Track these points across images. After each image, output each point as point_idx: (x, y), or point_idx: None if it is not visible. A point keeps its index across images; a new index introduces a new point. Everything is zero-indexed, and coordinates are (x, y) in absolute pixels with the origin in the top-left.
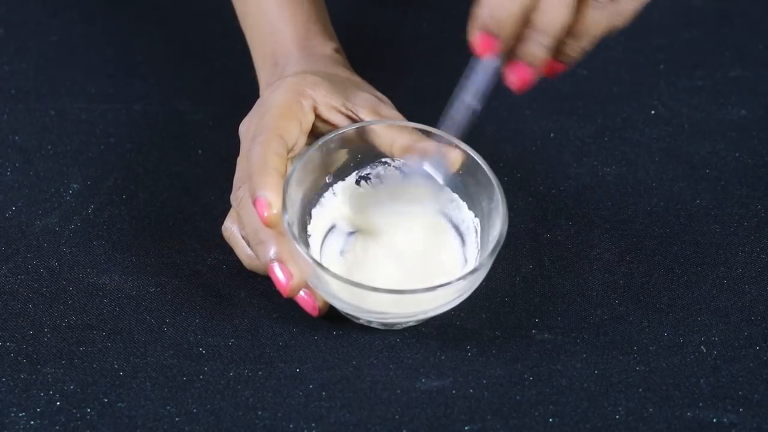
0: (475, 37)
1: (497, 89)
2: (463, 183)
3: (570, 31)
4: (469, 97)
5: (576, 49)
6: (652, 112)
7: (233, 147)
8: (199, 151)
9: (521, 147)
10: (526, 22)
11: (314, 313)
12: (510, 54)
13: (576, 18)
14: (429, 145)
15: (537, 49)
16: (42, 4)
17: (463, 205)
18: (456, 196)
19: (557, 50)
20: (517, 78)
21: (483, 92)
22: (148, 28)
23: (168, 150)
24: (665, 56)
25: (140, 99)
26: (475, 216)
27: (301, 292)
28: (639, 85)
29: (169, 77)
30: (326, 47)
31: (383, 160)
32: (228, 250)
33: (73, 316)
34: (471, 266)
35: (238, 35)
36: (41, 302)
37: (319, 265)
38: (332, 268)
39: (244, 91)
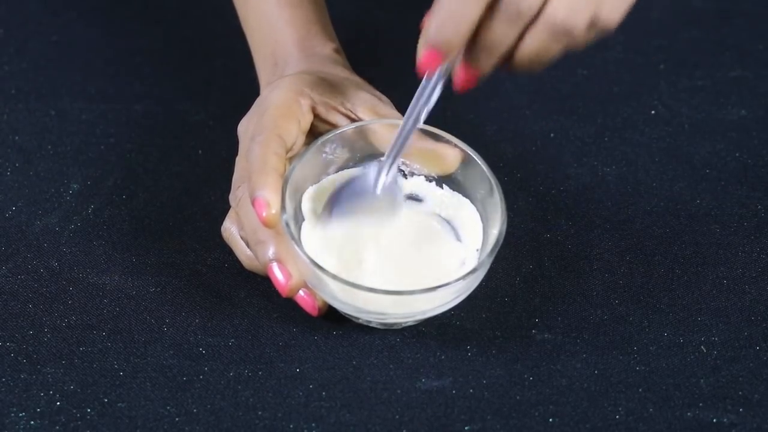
0: (423, 55)
1: (497, 89)
2: (463, 183)
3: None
4: (422, 116)
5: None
6: (652, 112)
7: (233, 147)
8: (199, 151)
9: (521, 147)
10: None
11: (314, 312)
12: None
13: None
14: (428, 143)
15: (485, 62)
16: (42, 4)
17: (465, 203)
18: (458, 194)
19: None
20: (463, 80)
21: (431, 107)
22: (148, 28)
23: (168, 150)
24: (665, 56)
25: (140, 99)
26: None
27: (301, 292)
28: (639, 85)
29: (169, 77)
30: (326, 47)
31: (382, 159)
32: (228, 250)
33: (73, 316)
34: (470, 266)
35: (239, 35)
36: (41, 302)
37: (317, 265)
38: (330, 269)
39: (244, 91)
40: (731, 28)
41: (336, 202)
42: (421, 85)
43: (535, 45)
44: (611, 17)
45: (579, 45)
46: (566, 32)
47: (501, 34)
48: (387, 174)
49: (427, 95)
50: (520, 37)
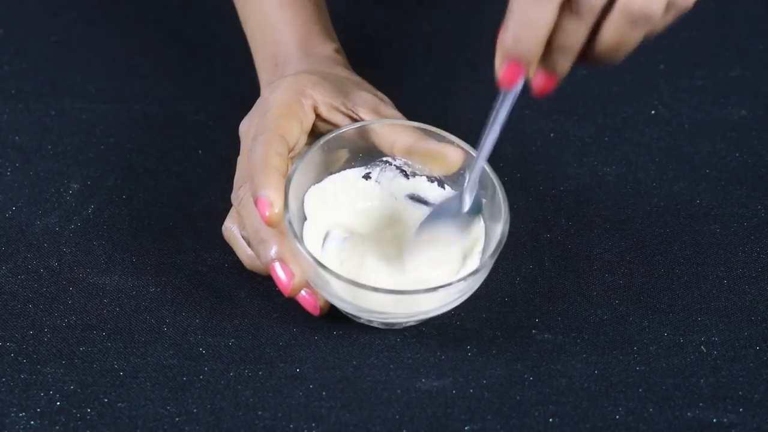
0: (503, 69)
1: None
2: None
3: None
4: (498, 127)
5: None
6: (653, 112)
7: (233, 147)
8: (199, 151)
9: (521, 147)
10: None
11: (316, 312)
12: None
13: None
14: (429, 143)
15: (562, 64)
16: (42, 4)
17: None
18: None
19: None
20: (541, 86)
21: (506, 119)
22: (148, 28)
23: (168, 150)
24: (665, 56)
25: (140, 99)
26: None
27: (303, 292)
28: (639, 85)
29: (169, 77)
30: (326, 47)
31: (384, 159)
32: (228, 250)
33: (74, 316)
34: (472, 266)
35: (239, 35)
36: (41, 302)
37: (321, 264)
38: (333, 268)
39: (244, 91)
40: (731, 28)
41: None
42: (500, 99)
43: (614, 36)
44: None
45: (658, 29)
46: (645, 18)
47: (575, 32)
48: (471, 192)
49: (507, 108)
50: (595, 29)
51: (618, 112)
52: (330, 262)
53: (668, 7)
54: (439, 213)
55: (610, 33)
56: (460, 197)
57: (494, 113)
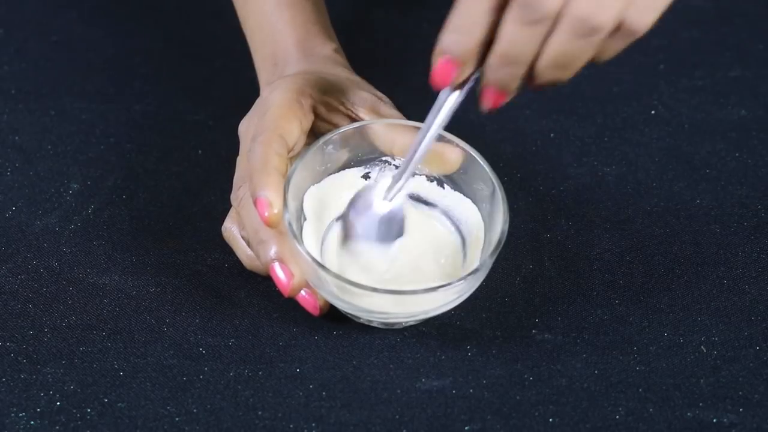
0: (436, 65)
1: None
2: (464, 183)
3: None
4: (436, 130)
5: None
6: (652, 112)
7: (233, 147)
8: (199, 151)
9: (521, 147)
10: (491, 48)
11: (315, 312)
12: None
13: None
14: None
15: (508, 79)
16: (42, 4)
17: (467, 203)
18: (459, 194)
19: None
20: (490, 102)
21: (447, 120)
22: (148, 28)
23: (168, 150)
24: (665, 56)
25: (140, 99)
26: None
27: (302, 292)
28: (639, 85)
29: (169, 77)
30: (326, 47)
31: (384, 158)
32: (228, 250)
33: (73, 316)
34: (471, 266)
35: (238, 35)
36: (41, 302)
37: (320, 264)
38: (332, 268)
39: (244, 91)
40: (731, 28)
41: (348, 219)
42: (438, 99)
43: (558, 48)
44: (641, 20)
45: (606, 53)
46: (591, 31)
47: (520, 39)
48: (401, 186)
49: (444, 109)
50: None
51: (618, 112)
52: (329, 262)
53: (618, 27)
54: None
55: (553, 45)
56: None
57: (431, 115)
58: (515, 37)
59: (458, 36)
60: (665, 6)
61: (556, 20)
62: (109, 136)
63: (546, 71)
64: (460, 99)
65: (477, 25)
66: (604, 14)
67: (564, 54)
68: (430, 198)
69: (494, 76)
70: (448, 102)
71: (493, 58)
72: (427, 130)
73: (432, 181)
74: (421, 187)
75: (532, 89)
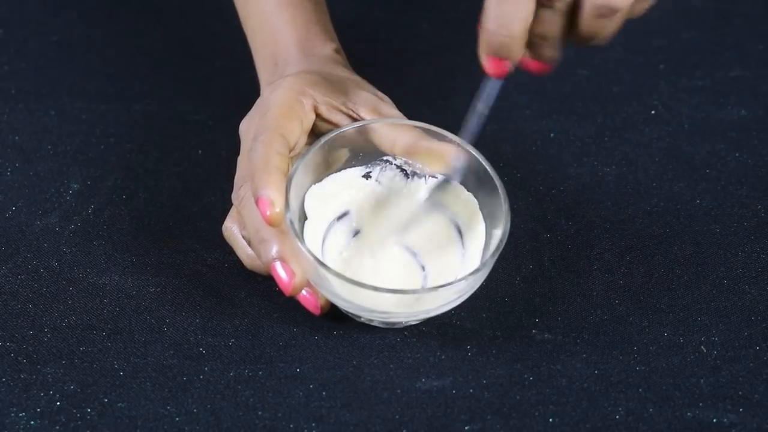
0: (486, 62)
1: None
2: (466, 183)
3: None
4: (483, 108)
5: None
6: (652, 112)
7: (233, 147)
8: (199, 151)
9: (521, 147)
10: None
11: (316, 311)
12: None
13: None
14: (430, 143)
15: (547, 52)
16: (42, 4)
17: (472, 201)
18: (467, 193)
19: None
20: (537, 69)
21: (494, 101)
22: (148, 28)
23: (168, 150)
24: (665, 56)
25: (140, 99)
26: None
27: (303, 291)
28: (639, 85)
29: (169, 77)
30: (326, 47)
31: (385, 158)
32: (228, 250)
33: (74, 316)
34: (472, 266)
35: (239, 35)
36: (41, 302)
37: (322, 263)
38: (334, 267)
39: (244, 91)
40: (731, 28)
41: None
42: (488, 85)
43: (589, 27)
44: None
45: (636, 14)
46: (611, 10)
47: (550, 22)
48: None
49: (494, 93)
50: (573, 18)
51: (618, 112)
52: (331, 261)
53: None
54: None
55: (584, 25)
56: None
57: (481, 95)
58: (547, 22)
59: (503, 34)
60: None
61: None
62: (109, 136)
63: (583, 42)
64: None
65: (516, 21)
66: None
67: (593, 31)
68: (430, 196)
69: (536, 54)
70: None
71: (533, 44)
72: (480, 105)
73: (433, 177)
74: (422, 186)
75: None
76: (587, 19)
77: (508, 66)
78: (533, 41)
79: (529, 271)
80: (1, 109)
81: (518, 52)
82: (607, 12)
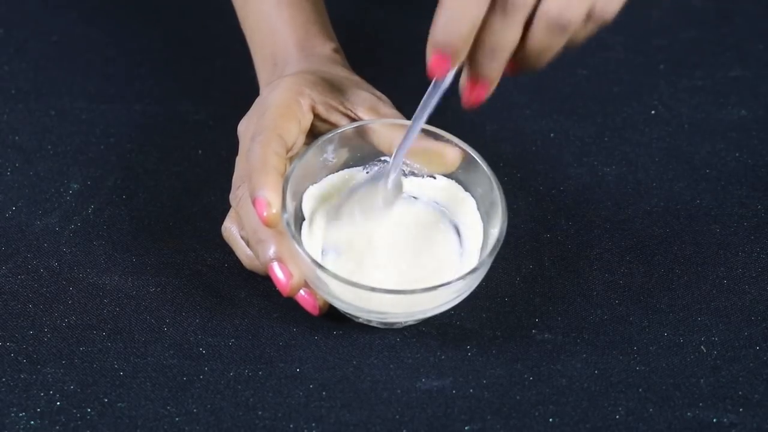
0: (431, 59)
1: (498, 89)
2: (463, 182)
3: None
4: (426, 116)
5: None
6: (652, 112)
7: (233, 147)
8: (199, 151)
9: (521, 147)
10: (476, 41)
11: (315, 312)
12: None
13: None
14: (429, 143)
15: (490, 69)
16: (42, 4)
17: (470, 201)
18: (465, 193)
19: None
20: (474, 95)
21: (433, 108)
22: (148, 28)
23: (168, 150)
24: (665, 56)
25: (140, 99)
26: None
27: (301, 291)
28: (639, 85)
29: (169, 77)
30: (325, 47)
31: (383, 158)
32: (228, 251)
33: (74, 316)
34: (470, 265)
35: (238, 35)
36: (41, 302)
37: (318, 265)
38: (331, 268)
39: (244, 91)
40: (731, 28)
41: (344, 205)
42: (430, 87)
43: (535, 42)
44: (608, 8)
45: (579, 39)
46: (563, 26)
47: (501, 32)
48: (393, 175)
49: (436, 97)
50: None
51: (618, 112)
52: (328, 262)
53: (588, 18)
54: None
55: (530, 39)
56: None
57: (424, 100)
58: (497, 30)
59: (450, 29)
60: None
61: (532, 14)
62: (109, 136)
63: (525, 62)
64: (447, 86)
65: (468, 18)
66: (573, 10)
67: (539, 47)
68: (427, 195)
69: (481, 67)
70: (441, 87)
71: (480, 50)
72: (423, 111)
73: (432, 177)
74: (421, 184)
75: (508, 74)
76: (539, 32)
77: (449, 64)
78: (478, 53)
79: (529, 271)
80: (1, 109)
81: (462, 51)
82: (558, 28)
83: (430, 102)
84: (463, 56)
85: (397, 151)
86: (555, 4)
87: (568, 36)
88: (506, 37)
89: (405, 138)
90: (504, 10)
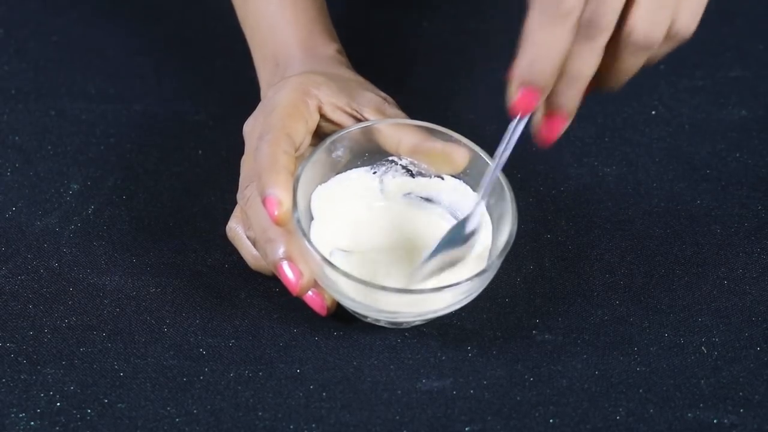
0: (517, 95)
1: (498, 89)
2: (473, 184)
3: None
4: (507, 155)
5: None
6: (653, 112)
7: (233, 147)
8: (199, 151)
9: (521, 147)
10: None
11: (323, 312)
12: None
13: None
14: (435, 143)
15: (571, 99)
16: (42, 4)
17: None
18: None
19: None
20: (551, 130)
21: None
22: (148, 28)
23: (168, 150)
24: (665, 56)
25: (140, 99)
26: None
27: (309, 291)
28: (639, 86)
29: (169, 77)
30: (328, 48)
31: (390, 158)
32: (228, 251)
33: (74, 317)
34: (479, 266)
35: (239, 35)
36: (41, 303)
37: (330, 263)
38: (341, 267)
39: (244, 91)
40: (731, 28)
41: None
42: (513, 124)
43: (619, 64)
44: (689, 26)
45: (658, 57)
46: (647, 47)
47: (584, 59)
48: (477, 214)
49: (518, 132)
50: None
51: (618, 112)
52: (337, 261)
53: (668, 37)
54: (446, 242)
55: (616, 61)
56: (464, 222)
57: (507, 137)
58: (580, 56)
59: (539, 62)
60: (704, 7)
61: (615, 37)
62: (109, 136)
63: (604, 82)
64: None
65: (556, 50)
66: (657, 32)
67: (622, 68)
68: (436, 196)
69: (560, 98)
70: (519, 126)
71: (561, 80)
72: (506, 149)
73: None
74: (429, 184)
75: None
76: (623, 55)
77: (538, 99)
78: (558, 83)
79: (530, 272)
80: (1, 109)
81: (551, 81)
82: (643, 49)
83: (513, 138)
84: (551, 86)
85: (481, 195)
86: (641, 27)
87: (648, 55)
88: (589, 63)
89: (488, 177)
90: (588, 36)
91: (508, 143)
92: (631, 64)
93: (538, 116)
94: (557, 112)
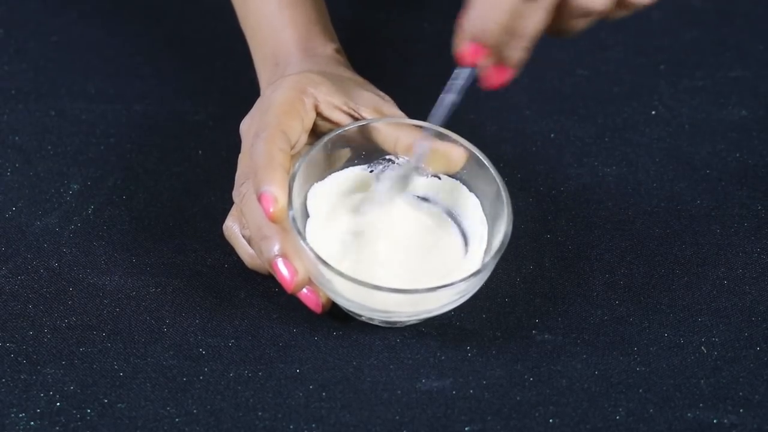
0: (464, 47)
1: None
2: (468, 183)
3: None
4: (455, 97)
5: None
6: (653, 112)
7: (233, 147)
8: (199, 151)
9: (521, 147)
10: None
11: (318, 309)
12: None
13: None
14: (434, 142)
15: (519, 53)
16: (42, 4)
17: (475, 202)
18: (470, 194)
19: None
20: (497, 80)
21: (465, 91)
22: (148, 28)
23: (168, 150)
24: (665, 56)
25: (140, 99)
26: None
27: (304, 289)
28: (639, 86)
29: (169, 77)
30: (327, 48)
31: (387, 157)
32: (228, 251)
33: (73, 317)
34: (474, 266)
35: (238, 35)
36: (41, 303)
37: (324, 262)
38: (335, 266)
39: (244, 91)
40: (731, 28)
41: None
42: (457, 71)
43: (562, 26)
44: None
45: (615, 18)
46: (587, 14)
47: (531, 18)
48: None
49: (462, 79)
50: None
51: (618, 112)
52: (332, 260)
53: (621, 4)
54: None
55: (559, 23)
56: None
57: (452, 83)
58: (530, 17)
59: (487, 23)
60: None
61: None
62: (109, 136)
63: (553, 35)
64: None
65: (503, 11)
66: (597, 3)
67: (567, 28)
68: (432, 196)
69: (506, 53)
70: (465, 71)
71: (510, 36)
72: (449, 94)
73: (437, 178)
74: (425, 184)
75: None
76: (565, 18)
77: (484, 54)
78: (506, 39)
79: (530, 272)
80: (1, 109)
81: (498, 39)
82: (583, 14)
83: (457, 83)
84: (496, 43)
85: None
86: None
87: (594, 18)
88: (535, 23)
89: (432, 114)
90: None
91: (452, 88)
92: (575, 24)
93: (486, 62)
94: (503, 64)
